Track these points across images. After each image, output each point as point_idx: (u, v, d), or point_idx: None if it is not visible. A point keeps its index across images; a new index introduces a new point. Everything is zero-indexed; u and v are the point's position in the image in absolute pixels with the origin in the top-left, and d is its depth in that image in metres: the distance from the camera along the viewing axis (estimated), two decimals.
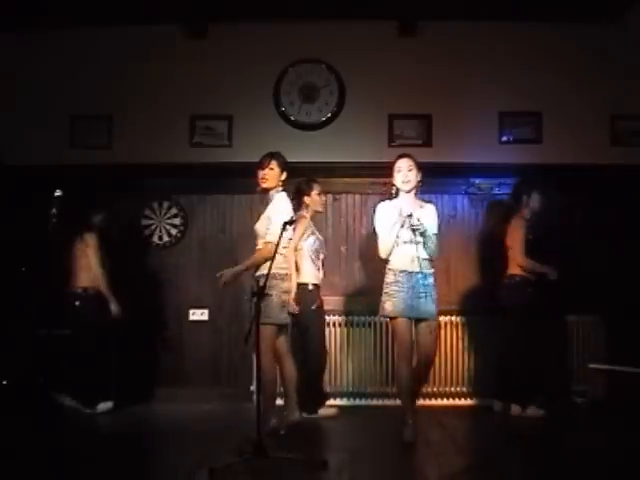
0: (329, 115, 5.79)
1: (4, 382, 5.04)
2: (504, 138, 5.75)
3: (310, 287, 4.89)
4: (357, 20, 5.68)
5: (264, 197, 4.45)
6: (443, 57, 5.73)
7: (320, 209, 5.09)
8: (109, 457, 3.85)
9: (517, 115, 5.74)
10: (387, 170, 4.28)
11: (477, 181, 5.76)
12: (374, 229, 4.28)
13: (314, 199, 4.99)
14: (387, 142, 5.75)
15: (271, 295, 4.06)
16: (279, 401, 4.48)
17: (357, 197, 5.81)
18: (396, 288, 4.11)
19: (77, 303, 5.07)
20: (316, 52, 5.80)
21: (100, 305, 5.08)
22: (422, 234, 4.06)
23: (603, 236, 5.43)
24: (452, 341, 5.54)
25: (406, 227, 4.07)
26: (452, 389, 5.52)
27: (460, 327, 5.54)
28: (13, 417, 4.68)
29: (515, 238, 5.03)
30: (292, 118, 5.79)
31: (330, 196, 5.74)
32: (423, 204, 4.25)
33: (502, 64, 5.71)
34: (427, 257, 4.15)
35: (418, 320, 4.14)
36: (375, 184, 5.67)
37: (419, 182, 4.22)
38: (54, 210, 4.72)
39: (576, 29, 5.65)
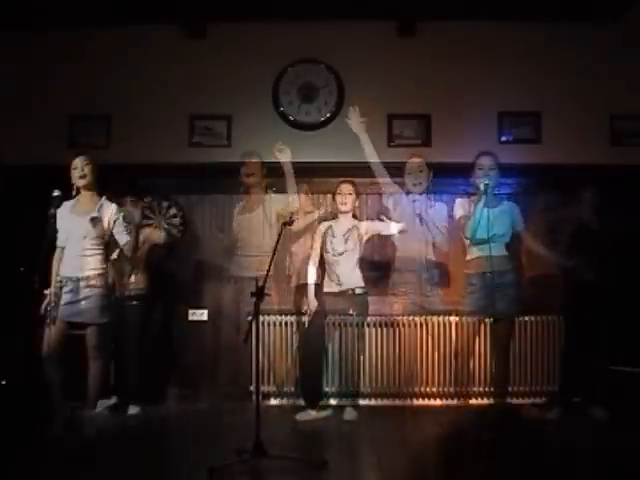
0: (328, 115, 5.78)
1: (3, 382, 5.03)
2: (503, 138, 5.76)
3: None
4: (356, 20, 5.69)
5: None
6: (442, 57, 5.73)
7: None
8: (109, 457, 3.85)
9: (516, 115, 5.74)
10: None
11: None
12: None
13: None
14: (386, 142, 5.74)
15: None
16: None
17: None
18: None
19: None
20: (315, 52, 5.80)
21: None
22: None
23: (602, 236, 5.41)
24: (447, 342, 5.51)
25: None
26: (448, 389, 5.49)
27: (457, 327, 5.51)
28: (13, 417, 4.67)
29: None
30: (291, 118, 5.79)
31: (329, 196, 5.74)
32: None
33: (501, 64, 5.71)
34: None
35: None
36: (374, 184, 5.67)
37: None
38: (52, 210, 4.71)
39: (576, 29, 5.66)
